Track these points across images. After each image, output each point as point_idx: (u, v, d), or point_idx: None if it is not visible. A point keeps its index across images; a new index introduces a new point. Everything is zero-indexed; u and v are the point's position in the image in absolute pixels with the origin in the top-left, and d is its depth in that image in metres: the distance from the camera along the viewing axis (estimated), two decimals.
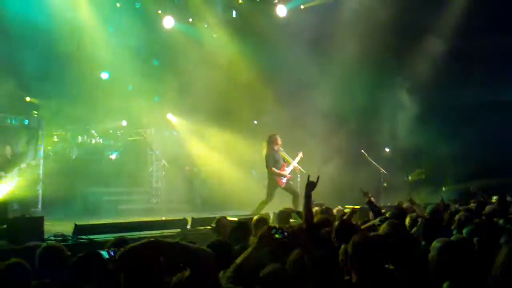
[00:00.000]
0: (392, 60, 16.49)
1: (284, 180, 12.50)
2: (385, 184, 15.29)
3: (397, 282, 4.20)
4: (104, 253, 3.50)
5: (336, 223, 5.83)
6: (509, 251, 3.19)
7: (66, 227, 8.60)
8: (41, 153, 13.76)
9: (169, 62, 17.21)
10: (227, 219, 7.34)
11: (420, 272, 4.33)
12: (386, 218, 6.78)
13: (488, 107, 17.50)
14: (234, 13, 17.55)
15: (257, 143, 13.73)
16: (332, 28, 15.73)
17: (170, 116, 17.98)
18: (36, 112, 14.57)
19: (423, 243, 5.68)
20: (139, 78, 16.54)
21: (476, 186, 12.88)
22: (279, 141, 12.58)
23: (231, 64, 16.93)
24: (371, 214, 8.63)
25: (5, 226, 7.77)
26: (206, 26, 17.26)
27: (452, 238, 5.10)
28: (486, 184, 13.57)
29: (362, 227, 7.00)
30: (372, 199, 8.94)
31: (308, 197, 6.11)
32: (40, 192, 13.29)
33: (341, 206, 10.24)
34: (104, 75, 16.86)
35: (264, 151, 12.54)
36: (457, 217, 6.91)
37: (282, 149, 12.73)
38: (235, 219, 7.77)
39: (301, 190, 12.18)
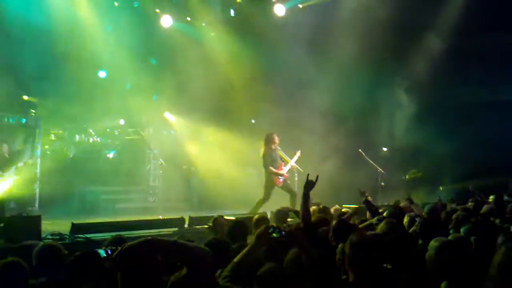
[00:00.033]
0: (390, 59, 16.49)
1: (282, 179, 12.51)
2: (382, 184, 15.30)
3: (395, 281, 4.20)
4: (102, 252, 3.49)
5: (334, 222, 5.83)
6: (506, 251, 3.19)
7: (63, 226, 8.59)
8: (39, 151, 13.78)
9: (167, 61, 17.18)
10: (224, 218, 7.33)
11: (418, 271, 4.33)
12: (384, 217, 6.79)
13: (487, 106, 17.49)
14: (232, 12, 17.51)
15: (255, 142, 13.76)
16: (330, 27, 15.71)
17: (167, 115, 17.97)
18: (33, 111, 14.55)
19: (420, 242, 5.68)
20: (137, 77, 16.51)
21: (474, 185, 12.90)
22: (277, 140, 12.59)
23: (229, 63, 16.92)
24: (368, 214, 8.63)
25: (2, 224, 7.73)
26: (204, 25, 17.22)
27: (449, 237, 5.09)
28: (484, 183, 13.57)
29: (360, 226, 6.99)
30: (369, 198, 8.94)
31: (306, 196, 6.11)
32: (37, 191, 13.30)
33: (339, 205, 10.24)
34: (102, 74, 16.81)
35: (262, 151, 12.56)
36: (454, 216, 6.92)
37: (279, 148, 12.73)
38: (232, 218, 7.77)
39: (298, 189, 12.21)
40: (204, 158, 16.87)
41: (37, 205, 13.13)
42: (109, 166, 15.84)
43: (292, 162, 12.78)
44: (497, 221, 7.65)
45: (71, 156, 15.28)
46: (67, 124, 15.56)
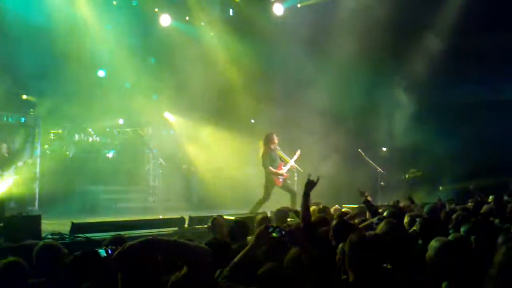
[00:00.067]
0: (390, 58, 16.47)
1: (281, 179, 12.50)
2: (382, 183, 15.30)
3: (395, 281, 4.20)
4: (102, 251, 3.49)
5: (334, 222, 5.83)
6: (507, 251, 3.19)
7: (63, 226, 8.59)
8: (38, 151, 13.79)
9: (166, 61, 17.18)
10: (223, 218, 7.33)
11: (418, 271, 4.33)
12: (384, 217, 6.78)
13: (486, 106, 17.49)
14: (231, 11, 17.52)
15: (254, 141, 13.74)
16: (329, 26, 15.70)
17: (167, 115, 17.97)
18: (32, 110, 14.55)
19: (420, 242, 5.68)
20: (136, 76, 16.52)
21: (475, 185, 12.88)
22: (276, 140, 12.59)
23: (228, 63, 16.93)
24: (368, 214, 8.63)
25: (2, 224, 7.74)
26: (203, 24, 17.23)
27: (449, 237, 5.09)
28: (484, 183, 13.56)
29: (360, 226, 6.99)
30: (369, 198, 8.94)
31: (306, 195, 6.12)
32: (37, 190, 13.32)
33: (338, 205, 10.24)
34: (101, 73, 16.82)
35: (261, 151, 12.55)
36: (454, 216, 6.91)
37: (279, 148, 12.73)
38: (232, 218, 7.77)
39: (298, 189, 12.21)
40: (203, 158, 16.88)
41: (37, 204, 13.15)
42: (108, 165, 15.85)
43: (291, 162, 12.78)
44: (497, 221, 7.64)
45: (70, 155, 15.27)
46: (67, 124, 15.56)
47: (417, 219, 6.52)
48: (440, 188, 16.74)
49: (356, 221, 7.88)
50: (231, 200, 14.90)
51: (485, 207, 9.16)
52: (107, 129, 16.94)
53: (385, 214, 7.54)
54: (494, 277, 3.18)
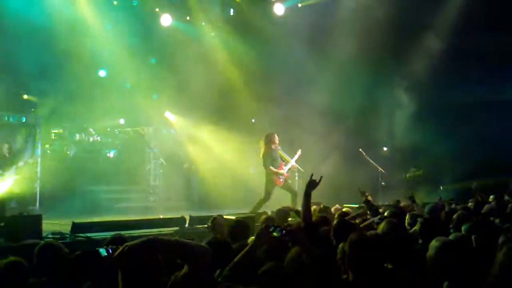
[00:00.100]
0: (390, 58, 16.46)
1: (282, 179, 12.51)
2: (383, 183, 15.30)
3: (395, 281, 4.20)
4: (102, 251, 3.48)
5: (335, 221, 5.83)
6: (508, 251, 3.19)
7: (64, 225, 8.61)
8: (39, 151, 13.79)
9: (166, 60, 17.19)
10: (223, 218, 7.32)
11: (418, 271, 4.33)
12: (385, 217, 6.78)
13: (486, 106, 17.48)
14: (231, 11, 17.53)
15: (255, 141, 13.75)
16: (329, 26, 15.71)
17: (168, 114, 17.98)
18: (33, 110, 14.56)
19: (420, 242, 5.68)
20: (137, 76, 16.53)
21: (476, 185, 12.87)
22: (277, 140, 12.60)
23: (229, 62, 16.94)
24: (369, 213, 8.63)
25: (3, 224, 7.76)
26: (203, 24, 17.24)
27: (450, 237, 5.09)
28: (485, 183, 13.56)
29: (361, 225, 6.99)
30: (370, 198, 8.94)
31: (307, 195, 6.12)
32: (37, 190, 13.32)
33: (339, 205, 10.25)
34: (102, 73, 16.83)
35: (262, 151, 12.55)
36: (455, 216, 6.91)
37: (280, 148, 12.74)
38: (232, 217, 7.76)
39: (299, 189, 12.22)
40: (204, 157, 16.88)
41: (37, 204, 13.15)
42: (109, 165, 15.85)
43: (292, 162, 12.79)
44: (497, 220, 7.63)
45: (71, 155, 15.28)
46: (67, 123, 15.56)
47: (418, 219, 6.52)
48: (441, 187, 16.73)
49: (357, 221, 7.88)
50: (231, 200, 14.89)
51: (486, 207, 9.15)
52: (108, 129, 16.95)
53: (386, 214, 7.54)
54: (495, 277, 3.18)
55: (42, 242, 5.60)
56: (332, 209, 9.33)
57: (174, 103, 17.21)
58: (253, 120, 18.33)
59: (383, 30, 14.76)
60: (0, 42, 13.10)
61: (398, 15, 14.76)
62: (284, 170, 12.55)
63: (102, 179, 14.94)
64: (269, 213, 9.69)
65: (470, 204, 10.40)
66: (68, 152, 15.26)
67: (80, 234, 8.01)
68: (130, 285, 3.22)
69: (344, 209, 9.55)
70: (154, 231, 8.89)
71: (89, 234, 8.02)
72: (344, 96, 16.10)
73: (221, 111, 17.03)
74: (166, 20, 16.41)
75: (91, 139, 16.04)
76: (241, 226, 6.38)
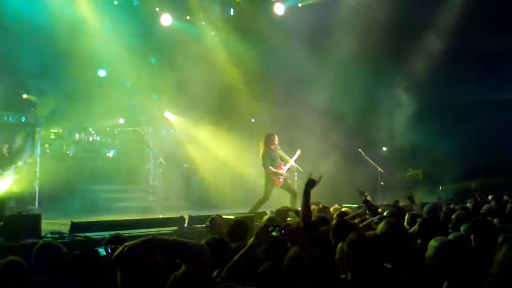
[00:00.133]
0: (390, 58, 16.48)
1: (281, 179, 12.50)
2: (382, 183, 15.30)
3: (394, 281, 4.20)
4: (101, 251, 3.49)
5: (334, 221, 5.83)
6: (507, 251, 3.19)
7: (63, 225, 8.60)
8: (38, 150, 13.78)
9: (166, 60, 17.18)
10: (222, 218, 7.32)
11: (417, 271, 4.33)
12: (384, 217, 6.78)
13: (486, 105, 17.48)
14: (232, 11, 17.53)
15: (255, 141, 13.73)
16: (329, 26, 15.71)
17: (167, 114, 17.97)
18: (33, 110, 14.55)
19: (419, 241, 5.68)
20: (137, 76, 16.53)
21: (476, 184, 12.87)
22: (276, 140, 12.59)
23: (229, 62, 16.94)
24: (368, 213, 8.63)
25: (2, 223, 7.74)
26: (203, 24, 17.24)
27: (449, 236, 5.09)
28: (484, 183, 13.55)
29: (360, 225, 7.00)
30: (369, 198, 8.95)
31: (306, 195, 6.12)
32: (37, 189, 13.31)
33: (338, 205, 10.24)
34: (102, 73, 16.82)
35: (261, 151, 12.55)
36: (454, 216, 6.91)
37: (279, 148, 12.73)
38: (231, 217, 7.76)
39: (299, 188, 12.20)
40: (204, 157, 16.88)
41: (36, 204, 13.14)
42: (109, 165, 15.86)
43: (291, 162, 12.78)
44: (496, 220, 7.63)
45: (71, 155, 15.27)
46: (67, 123, 15.55)
47: (418, 219, 6.52)
48: (440, 187, 16.74)
49: (356, 220, 7.88)
50: (231, 200, 14.89)
51: (484, 207, 9.15)
52: (108, 129, 16.93)
53: (385, 213, 7.54)
54: (494, 277, 3.18)
55: (41, 241, 5.59)
56: (331, 209, 9.34)
57: (174, 103, 17.21)
58: (252, 120, 18.32)
59: (383, 29, 14.77)
60: (0, 41, 13.09)
61: (398, 15, 14.76)
62: (283, 170, 12.54)
63: (102, 179, 14.95)
64: (268, 213, 9.69)
65: (468, 204, 10.39)
66: (67, 152, 15.25)
67: (79, 234, 8.00)
68: (129, 285, 3.22)
69: (343, 209, 9.56)
70: (153, 230, 8.88)
71: (88, 234, 8.01)
72: (344, 95, 16.09)
73: (221, 111, 17.03)
74: (166, 19, 16.41)
75: (90, 139, 16.02)
76: (240, 226, 6.37)
